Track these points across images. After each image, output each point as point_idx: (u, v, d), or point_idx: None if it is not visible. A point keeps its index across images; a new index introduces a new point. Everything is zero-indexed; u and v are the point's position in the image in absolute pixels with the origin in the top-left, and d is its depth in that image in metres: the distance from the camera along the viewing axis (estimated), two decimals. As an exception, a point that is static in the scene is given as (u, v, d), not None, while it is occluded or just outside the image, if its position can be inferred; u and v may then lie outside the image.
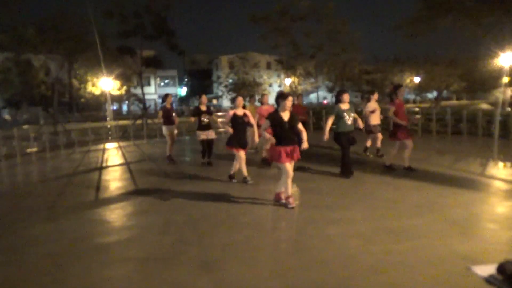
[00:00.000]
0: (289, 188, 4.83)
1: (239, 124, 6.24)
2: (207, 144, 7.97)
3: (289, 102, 4.75)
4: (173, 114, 8.74)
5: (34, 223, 4.68)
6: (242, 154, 6.18)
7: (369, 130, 8.32)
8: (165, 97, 8.81)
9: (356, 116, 6.47)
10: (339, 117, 6.29)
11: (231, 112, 6.30)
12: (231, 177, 6.37)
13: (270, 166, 7.63)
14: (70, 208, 5.32)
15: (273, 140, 4.72)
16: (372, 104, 8.23)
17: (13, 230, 4.46)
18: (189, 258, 3.47)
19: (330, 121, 6.33)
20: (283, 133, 4.72)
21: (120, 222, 4.67)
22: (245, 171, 6.26)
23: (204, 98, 7.95)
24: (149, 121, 18.19)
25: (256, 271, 3.19)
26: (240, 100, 6.34)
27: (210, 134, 7.90)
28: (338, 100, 6.38)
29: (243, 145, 6.22)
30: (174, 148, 9.21)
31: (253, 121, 6.59)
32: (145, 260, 3.47)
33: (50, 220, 4.78)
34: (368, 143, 8.58)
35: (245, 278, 3.06)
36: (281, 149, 4.68)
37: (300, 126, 4.90)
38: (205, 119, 7.78)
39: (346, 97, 6.34)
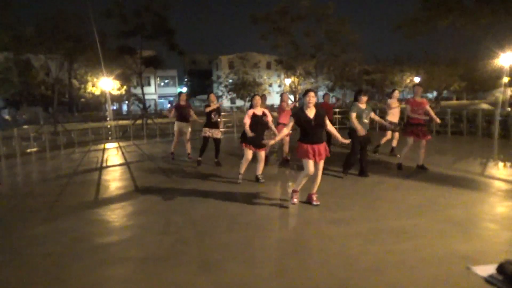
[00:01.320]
0: (300, 185, 4.87)
1: (257, 124, 6.17)
2: (215, 144, 7.97)
3: (308, 97, 4.71)
4: (191, 111, 8.86)
5: (34, 223, 4.68)
6: (250, 154, 6.16)
7: (382, 127, 8.53)
8: (179, 95, 9.13)
9: (374, 116, 6.53)
10: (357, 116, 6.35)
11: (251, 112, 6.19)
12: (257, 178, 6.34)
13: (267, 164, 7.61)
14: (70, 208, 5.31)
15: (285, 132, 4.95)
16: (394, 102, 8.44)
17: (13, 230, 4.46)
18: (189, 258, 3.47)
19: (355, 119, 6.30)
20: (310, 130, 4.70)
21: (120, 222, 4.67)
22: (243, 170, 6.24)
23: (213, 97, 7.99)
24: (149, 121, 18.20)
25: (256, 271, 3.19)
26: (257, 99, 6.28)
27: (216, 133, 7.90)
28: (356, 99, 6.44)
29: (256, 145, 6.14)
30: (180, 147, 9.22)
31: (270, 120, 6.44)
32: (145, 260, 3.47)
33: (50, 220, 4.78)
34: (394, 143, 8.63)
35: (245, 278, 3.06)
36: (308, 146, 4.69)
37: (329, 125, 4.91)
38: (214, 116, 7.83)
39: (364, 96, 6.39)
